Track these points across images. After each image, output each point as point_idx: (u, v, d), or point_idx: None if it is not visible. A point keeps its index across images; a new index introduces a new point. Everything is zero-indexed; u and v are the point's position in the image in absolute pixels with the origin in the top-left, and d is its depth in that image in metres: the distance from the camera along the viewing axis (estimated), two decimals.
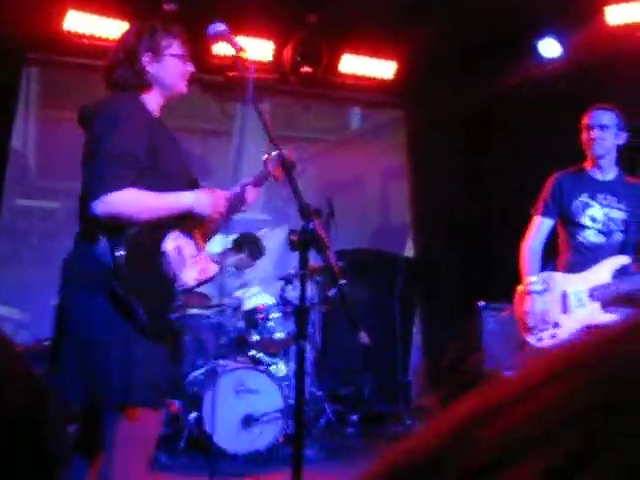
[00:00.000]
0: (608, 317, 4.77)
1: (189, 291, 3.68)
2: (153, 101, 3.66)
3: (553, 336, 4.87)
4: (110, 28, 7.02)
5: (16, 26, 6.62)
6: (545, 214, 5.10)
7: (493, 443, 0.44)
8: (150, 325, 3.35)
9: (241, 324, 6.70)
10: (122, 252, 3.27)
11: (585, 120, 5.04)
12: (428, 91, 8.25)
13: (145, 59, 3.59)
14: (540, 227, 5.10)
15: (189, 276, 3.56)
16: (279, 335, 6.56)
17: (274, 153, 3.67)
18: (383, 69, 8.16)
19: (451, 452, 0.45)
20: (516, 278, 5.13)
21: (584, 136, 5.04)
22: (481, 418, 0.46)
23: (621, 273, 4.88)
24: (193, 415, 6.05)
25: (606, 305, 4.83)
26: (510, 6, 6.63)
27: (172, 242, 3.50)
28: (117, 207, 3.31)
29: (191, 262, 3.59)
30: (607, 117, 5.01)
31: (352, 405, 7.58)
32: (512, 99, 7.70)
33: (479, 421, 0.46)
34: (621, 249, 4.99)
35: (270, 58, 7.42)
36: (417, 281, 8.66)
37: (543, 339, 4.88)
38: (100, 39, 7.04)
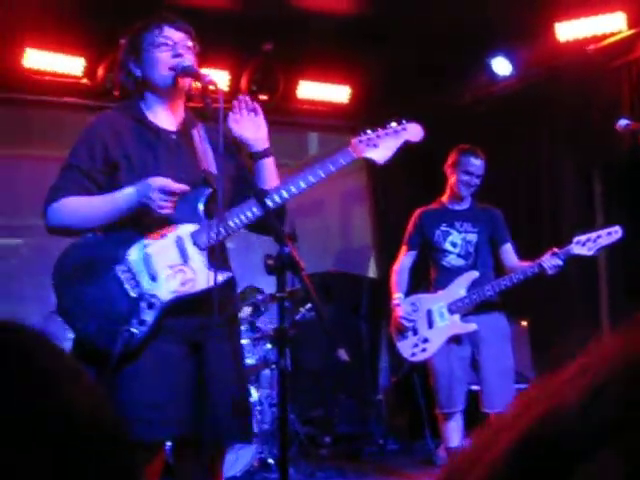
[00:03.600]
0: (466, 326, 5.51)
1: (167, 306, 3.17)
2: (152, 107, 3.38)
3: (424, 350, 5.58)
4: (69, 64, 7.13)
5: None
6: (410, 245, 5.86)
7: None
8: (95, 344, 3.10)
9: None
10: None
11: (465, 165, 5.66)
12: (383, 113, 8.32)
13: (131, 64, 3.36)
14: (405, 256, 5.88)
15: (163, 289, 3.16)
16: (250, 361, 6.56)
17: None
18: (338, 94, 8.27)
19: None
20: None
21: (457, 177, 5.68)
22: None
23: (473, 286, 5.55)
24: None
25: (464, 315, 5.55)
26: (465, 25, 6.75)
27: (137, 251, 3.17)
28: (60, 216, 3.21)
29: (167, 273, 3.17)
30: (483, 168, 5.68)
31: (323, 427, 7.60)
32: (468, 117, 7.81)
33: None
34: (474, 266, 5.68)
35: (226, 88, 7.49)
36: (382, 301, 8.72)
37: (416, 354, 5.60)
38: (61, 75, 7.12)
